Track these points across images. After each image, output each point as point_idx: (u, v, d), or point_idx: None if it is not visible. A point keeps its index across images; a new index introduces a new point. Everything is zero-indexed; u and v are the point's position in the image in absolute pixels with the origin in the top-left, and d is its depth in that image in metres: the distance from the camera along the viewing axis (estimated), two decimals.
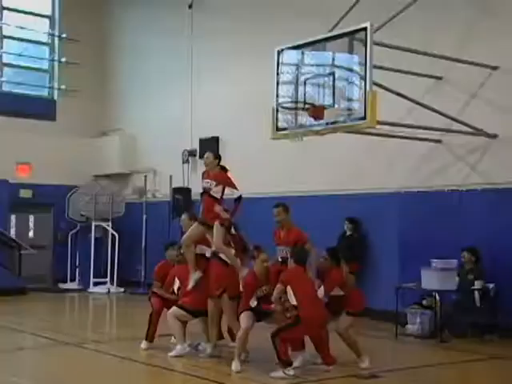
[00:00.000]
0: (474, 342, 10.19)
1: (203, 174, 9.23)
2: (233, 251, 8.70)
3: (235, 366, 7.99)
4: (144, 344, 9.34)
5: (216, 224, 8.64)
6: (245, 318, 8.13)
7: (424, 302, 10.88)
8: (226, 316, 8.79)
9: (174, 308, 8.92)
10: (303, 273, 7.99)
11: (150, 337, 9.41)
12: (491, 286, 10.53)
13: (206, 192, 9.00)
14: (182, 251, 9.11)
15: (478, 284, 10.48)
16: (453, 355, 9.45)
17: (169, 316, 8.96)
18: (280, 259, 8.54)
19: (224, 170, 9.11)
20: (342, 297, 8.32)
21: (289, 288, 7.75)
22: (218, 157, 9.33)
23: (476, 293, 10.48)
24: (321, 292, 8.14)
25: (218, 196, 8.89)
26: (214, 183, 8.92)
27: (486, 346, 9.94)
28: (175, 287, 9.31)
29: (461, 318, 10.55)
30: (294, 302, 7.71)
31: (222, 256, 8.64)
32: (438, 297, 10.41)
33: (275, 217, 8.64)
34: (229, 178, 8.99)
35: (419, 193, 11.92)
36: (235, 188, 8.92)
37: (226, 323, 8.95)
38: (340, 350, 8.47)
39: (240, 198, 8.88)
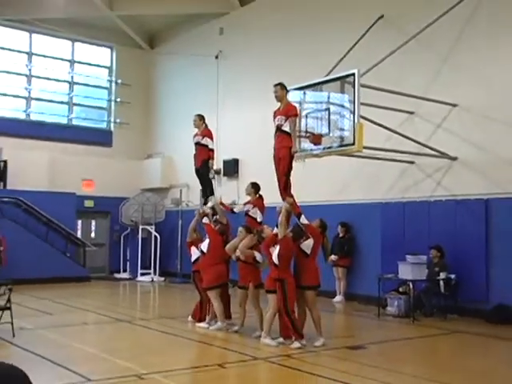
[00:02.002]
0: (440, 320, 10.09)
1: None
2: (253, 251, 8.56)
3: (269, 341, 7.72)
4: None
5: (251, 236, 8.56)
6: (275, 304, 7.79)
7: (400, 289, 10.77)
8: (250, 301, 8.61)
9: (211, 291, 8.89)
10: (292, 246, 7.81)
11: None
12: (453, 276, 10.42)
13: (246, 214, 9.14)
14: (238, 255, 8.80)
15: (442, 275, 10.38)
16: (423, 330, 9.34)
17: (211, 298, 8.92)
18: (275, 129, 8.20)
19: (261, 197, 9.18)
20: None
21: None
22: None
23: (441, 282, 10.37)
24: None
25: (256, 217, 9.01)
26: (251, 206, 9.04)
27: (449, 323, 9.83)
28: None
29: (429, 302, 10.45)
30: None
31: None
32: (411, 285, 10.30)
33: (275, 93, 8.27)
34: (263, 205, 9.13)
35: (396, 203, 11.84)
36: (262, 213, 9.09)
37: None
38: (332, 326, 8.35)
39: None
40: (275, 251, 7.73)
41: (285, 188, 8.06)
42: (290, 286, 7.66)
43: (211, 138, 9.67)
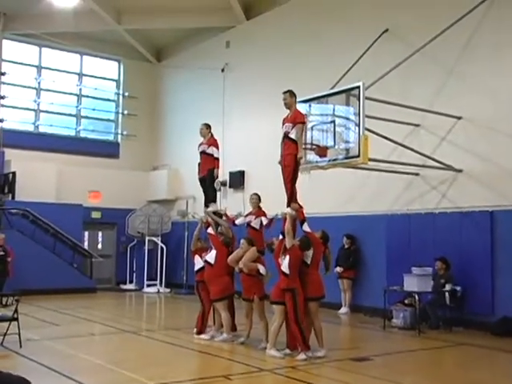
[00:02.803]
0: (445, 332, 10.04)
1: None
2: (256, 264, 8.56)
3: (275, 353, 7.70)
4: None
5: (254, 249, 8.57)
6: (281, 315, 7.80)
7: (406, 301, 10.72)
8: (256, 313, 8.59)
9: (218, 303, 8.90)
10: (301, 255, 7.81)
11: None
12: (458, 288, 10.38)
13: (248, 225, 9.09)
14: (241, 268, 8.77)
15: (448, 287, 10.33)
16: (429, 343, 9.28)
17: (220, 309, 8.92)
18: (283, 135, 8.19)
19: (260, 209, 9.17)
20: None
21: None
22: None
23: (446, 294, 10.32)
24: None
25: (257, 227, 8.99)
26: (254, 217, 9.03)
27: (454, 335, 9.77)
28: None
29: (435, 314, 10.39)
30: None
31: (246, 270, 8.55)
32: (417, 297, 10.25)
33: (283, 100, 8.27)
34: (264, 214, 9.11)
35: (402, 215, 11.82)
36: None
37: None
38: (337, 338, 8.33)
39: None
40: (285, 261, 7.72)
41: (290, 195, 8.05)
42: (300, 295, 7.66)
43: (217, 148, 9.67)
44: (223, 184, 16.22)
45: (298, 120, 8.13)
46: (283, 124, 8.31)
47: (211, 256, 9.02)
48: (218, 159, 9.66)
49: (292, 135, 8.10)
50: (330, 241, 8.38)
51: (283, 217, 8.02)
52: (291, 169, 8.06)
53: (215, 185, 9.68)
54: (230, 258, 8.77)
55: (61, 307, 12.92)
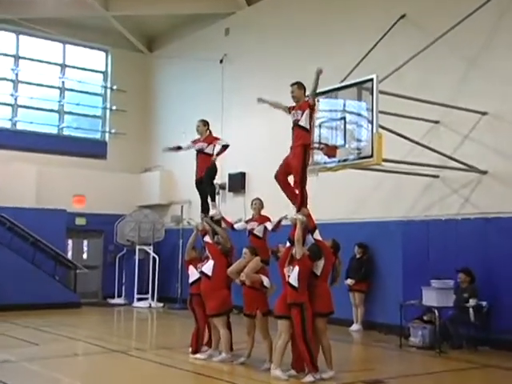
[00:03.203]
0: (469, 352, 9.99)
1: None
2: (260, 276, 8.54)
3: (280, 373, 7.67)
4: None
5: (257, 258, 8.54)
6: (287, 331, 7.79)
7: (425, 317, 10.69)
8: (258, 330, 8.55)
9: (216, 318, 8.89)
10: (311, 265, 7.82)
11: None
12: (484, 303, 10.33)
13: (250, 232, 9.06)
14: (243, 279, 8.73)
15: (472, 301, 10.29)
16: (450, 364, 9.26)
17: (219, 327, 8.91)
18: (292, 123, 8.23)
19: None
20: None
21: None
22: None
23: (470, 309, 10.27)
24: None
25: (261, 235, 8.96)
26: (256, 224, 9.02)
27: (479, 356, 9.72)
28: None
29: (457, 332, 10.36)
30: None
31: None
32: (437, 313, 10.22)
33: (291, 93, 8.30)
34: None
35: (420, 221, 11.80)
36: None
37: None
38: (348, 358, 8.31)
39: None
40: (294, 272, 7.70)
41: (301, 199, 8.00)
42: (309, 310, 7.64)
43: (219, 139, 9.72)
44: (222, 187, 16.23)
45: (308, 106, 8.12)
46: (290, 112, 8.31)
47: (208, 267, 9.01)
48: (226, 146, 9.55)
49: (302, 123, 8.10)
50: (340, 250, 8.36)
51: (292, 222, 8.01)
52: (300, 159, 7.98)
53: (214, 180, 9.65)
54: (231, 268, 8.76)
55: (41, 324, 12.90)
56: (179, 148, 10.16)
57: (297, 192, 8.13)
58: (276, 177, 8.42)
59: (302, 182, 8.03)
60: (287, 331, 7.75)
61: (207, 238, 9.30)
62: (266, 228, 8.98)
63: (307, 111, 8.13)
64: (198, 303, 9.24)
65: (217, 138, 9.78)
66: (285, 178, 8.38)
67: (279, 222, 8.92)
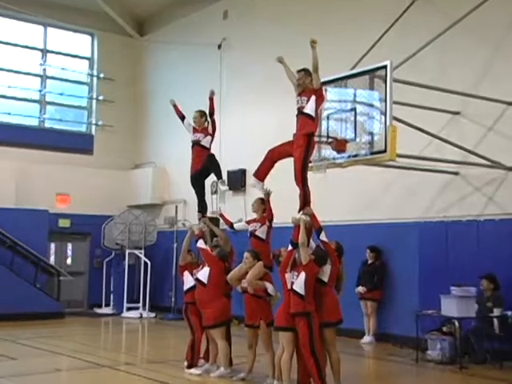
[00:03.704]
0: (494, 368, 9.95)
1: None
2: (264, 283, 8.56)
3: None
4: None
5: (260, 263, 8.53)
6: (291, 345, 7.82)
7: (444, 329, 10.68)
8: (261, 342, 8.56)
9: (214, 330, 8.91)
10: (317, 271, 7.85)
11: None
12: (510, 313, 10.30)
13: (252, 234, 9.00)
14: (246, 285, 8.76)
15: (496, 311, 10.29)
16: (473, 381, 9.27)
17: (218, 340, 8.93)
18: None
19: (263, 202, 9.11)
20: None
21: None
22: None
23: (495, 320, 10.27)
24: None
25: (263, 237, 8.92)
26: (259, 225, 8.98)
27: (505, 372, 9.71)
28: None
29: (480, 345, 10.35)
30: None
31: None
32: (457, 323, 10.22)
33: (298, 80, 8.40)
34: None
35: (438, 223, 11.80)
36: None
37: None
38: (360, 373, 8.31)
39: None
40: (300, 278, 7.69)
41: (304, 197, 8.02)
42: (316, 320, 7.65)
43: (213, 137, 9.82)
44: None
45: (314, 93, 8.15)
46: (296, 98, 8.36)
47: (204, 273, 9.03)
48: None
49: (307, 110, 8.12)
50: (344, 254, 8.36)
51: (294, 223, 8.02)
52: (303, 153, 8.01)
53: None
54: (231, 275, 8.77)
55: (20, 337, 12.91)
56: (183, 117, 10.15)
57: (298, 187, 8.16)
58: (271, 150, 8.59)
59: (303, 179, 8.07)
60: (291, 345, 7.75)
61: (201, 243, 9.29)
62: (269, 229, 8.97)
63: (313, 98, 8.16)
64: (193, 312, 9.26)
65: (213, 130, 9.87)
66: (276, 156, 8.58)
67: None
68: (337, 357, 7.90)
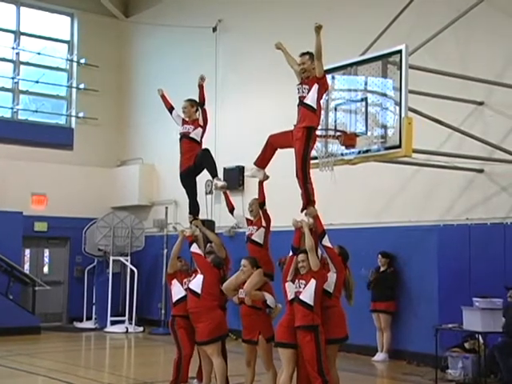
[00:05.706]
0: None
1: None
2: (263, 293, 8.57)
3: None
4: None
5: (259, 271, 8.54)
6: (292, 363, 7.82)
7: (466, 345, 10.70)
8: (261, 359, 8.57)
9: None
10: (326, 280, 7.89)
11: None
12: None
13: (248, 239, 9.03)
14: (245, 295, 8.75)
15: None
16: None
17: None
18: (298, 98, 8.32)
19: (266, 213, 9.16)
20: None
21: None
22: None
23: None
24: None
25: (261, 241, 8.94)
26: (255, 228, 9.02)
27: None
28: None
29: (507, 363, 10.33)
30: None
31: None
32: (481, 339, 10.23)
33: (302, 65, 8.32)
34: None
35: (459, 226, 11.81)
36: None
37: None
38: None
39: None
40: (309, 287, 7.67)
41: (306, 196, 8.03)
42: (323, 335, 7.65)
43: (205, 129, 9.76)
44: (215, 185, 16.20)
45: (317, 81, 8.14)
46: (297, 86, 8.36)
47: (197, 283, 9.03)
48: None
49: (308, 100, 8.14)
50: (349, 259, 8.37)
51: (296, 226, 8.04)
52: (302, 147, 8.02)
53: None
54: (226, 284, 8.77)
55: None
56: (172, 109, 10.11)
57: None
58: (272, 135, 8.62)
59: (305, 176, 8.06)
60: (292, 363, 7.75)
61: (195, 248, 9.30)
62: (267, 233, 8.97)
63: (315, 87, 8.14)
64: (181, 326, 9.25)
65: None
66: (277, 143, 8.61)
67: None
68: (337, 376, 7.91)
